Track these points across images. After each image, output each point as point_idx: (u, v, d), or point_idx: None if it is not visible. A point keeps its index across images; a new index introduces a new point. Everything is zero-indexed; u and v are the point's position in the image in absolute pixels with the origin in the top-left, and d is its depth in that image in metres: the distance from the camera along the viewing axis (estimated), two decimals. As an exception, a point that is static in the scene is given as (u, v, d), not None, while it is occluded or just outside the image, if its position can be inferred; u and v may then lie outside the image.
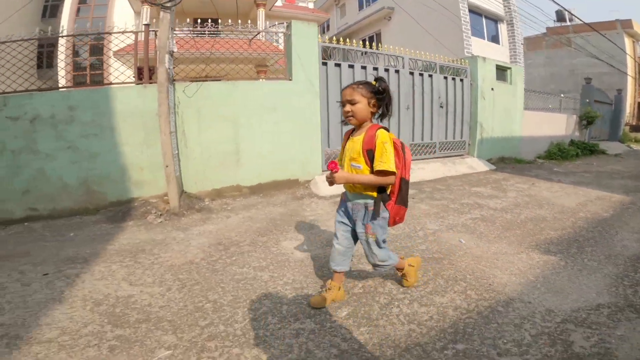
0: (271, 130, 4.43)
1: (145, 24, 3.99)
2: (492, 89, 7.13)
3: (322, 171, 4.83)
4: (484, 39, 12.06)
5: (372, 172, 1.59)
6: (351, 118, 1.65)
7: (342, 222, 1.78)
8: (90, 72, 10.32)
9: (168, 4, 3.40)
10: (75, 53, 10.26)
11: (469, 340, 1.51)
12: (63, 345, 1.50)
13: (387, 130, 1.63)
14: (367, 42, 5.41)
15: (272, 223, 3.31)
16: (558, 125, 9.78)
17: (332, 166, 1.56)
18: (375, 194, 1.65)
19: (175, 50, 3.78)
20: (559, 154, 8.84)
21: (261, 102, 4.36)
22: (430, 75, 6.21)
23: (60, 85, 5.12)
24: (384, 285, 2.03)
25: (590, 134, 11.27)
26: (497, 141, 7.37)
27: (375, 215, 1.65)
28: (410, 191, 4.57)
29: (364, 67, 5.29)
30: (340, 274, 1.82)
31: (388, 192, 1.69)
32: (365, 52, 5.33)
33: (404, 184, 1.67)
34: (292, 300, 1.89)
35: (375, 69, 5.42)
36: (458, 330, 1.59)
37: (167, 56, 3.55)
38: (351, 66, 5.16)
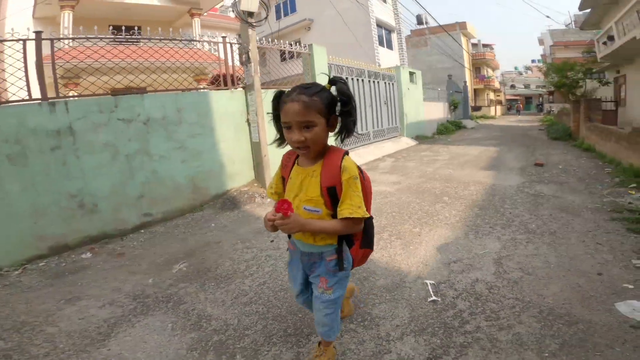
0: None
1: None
2: (408, 88, 10.46)
3: None
4: (384, 46, 15.72)
5: (333, 215, 1.18)
6: (306, 150, 1.15)
7: (295, 275, 1.39)
8: None
9: (255, 23, 4.78)
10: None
11: (488, 207, 4.19)
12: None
13: (348, 153, 1.21)
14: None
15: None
16: (440, 110, 14.15)
17: (283, 207, 1.08)
18: (335, 242, 1.25)
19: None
20: (444, 130, 13.04)
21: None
22: (376, 82, 9.00)
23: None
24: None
25: (456, 116, 16.30)
26: (414, 125, 10.79)
27: (336, 267, 1.26)
28: (389, 159, 7.24)
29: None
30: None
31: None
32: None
33: (369, 221, 1.30)
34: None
35: (344, 79, 7.84)
36: (477, 204, 4.25)
37: (258, 67, 4.89)
38: (355, 74, 7.46)
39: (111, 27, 10.31)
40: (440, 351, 1.51)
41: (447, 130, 13.13)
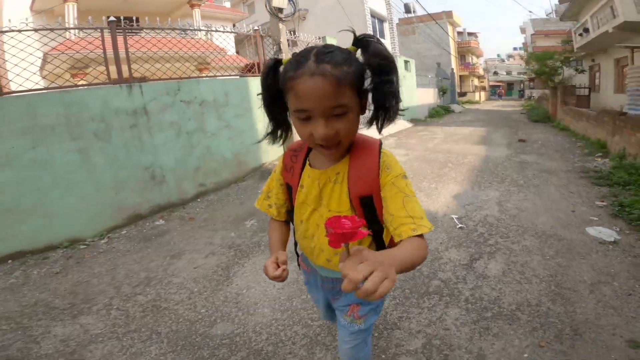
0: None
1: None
2: (404, 76, 11.21)
3: None
4: (376, 35, 16.33)
5: (375, 234, 0.81)
6: (335, 147, 0.74)
7: (317, 297, 1.05)
8: None
9: (284, 18, 5.43)
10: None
11: (485, 170, 5.06)
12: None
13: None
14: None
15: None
16: (431, 96, 15.02)
17: (350, 226, 0.50)
18: None
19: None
20: (435, 114, 13.94)
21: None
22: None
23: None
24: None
25: (444, 101, 17.23)
26: (410, 109, 11.60)
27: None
28: (391, 138, 8.04)
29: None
30: None
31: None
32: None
33: None
34: (422, 166, 5.10)
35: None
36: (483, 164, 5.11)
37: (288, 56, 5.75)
38: None
39: (106, 18, 10.54)
40: (476, 256, 2.30)
41: (437, 114, 14.03)
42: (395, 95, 0.72)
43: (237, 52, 10.65)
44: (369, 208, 0.78)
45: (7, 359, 1.72)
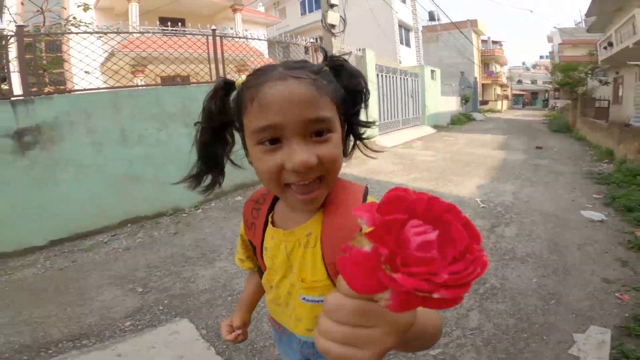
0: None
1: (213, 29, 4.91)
2: (429, 85, 12.01)
3: (379, 133, 8.65)
4: (403, 44, 17.17)
5: None
6: (318, 188, 0.53)
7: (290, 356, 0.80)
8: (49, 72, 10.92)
9: (336, 33, 6.41)
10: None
11: (503, 169, 5.86)
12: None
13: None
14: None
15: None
16: (453, 104, 15.71)
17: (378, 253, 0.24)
18: None
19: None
20: (457, 121, 14.62)
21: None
22: (405, 78, 10.56)
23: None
24: None
25: (466, 109, 17.84)
26: (433, 115, 12.38)
27: None
28: (418, 141, 8.88)
29: (382, 73, 9.23)
30: None
31: None
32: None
33: None
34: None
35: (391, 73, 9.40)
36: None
37: None
38: (391, 72, 9.05)
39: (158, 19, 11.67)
40: (496, 224, 3.16)
41: (459, 121, 14.70)
42: (364, 123, 0.63)
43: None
44: None
45: (172, 297, 2.29)
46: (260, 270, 0.73)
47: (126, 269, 2.77)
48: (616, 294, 2.03)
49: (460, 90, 17.31)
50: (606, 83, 15.45)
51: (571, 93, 14.63)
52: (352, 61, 7.86)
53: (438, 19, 28.27)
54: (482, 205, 3.63)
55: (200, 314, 2.09)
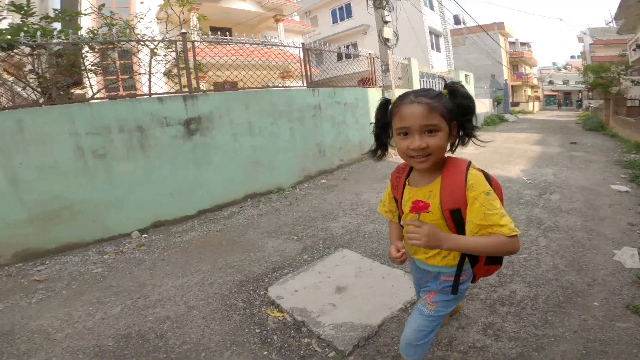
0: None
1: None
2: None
3: None
4: (434, 50, 18.07)
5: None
6: (426, 159, 0.99)
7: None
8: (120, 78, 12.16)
9: (391, 46, 7.51)
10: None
11: (542, 159, 6.75)
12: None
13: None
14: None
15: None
16: (486, 105, 16.43)
17: (419, 206, 0.99)
18: (456, 262, 1.10)
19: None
20: (490, 122, 15.33)
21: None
22: (443, 83, 11.52)
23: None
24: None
25: (498, 111, 18.45)
26: (468, 116, 13.20)
27: (449, 288, 1.11)
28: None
29: (430, 77, 10.25)
30: None
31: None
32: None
33: None
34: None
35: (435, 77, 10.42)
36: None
37: (393, 74, 7.62)
38: (431, 77, 10.07)
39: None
40: (542, 192, 4.12)
41: (492, 122, 15.41)
42: (474, 127, 1.04)
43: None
44: (457, 218, 0.99)
45: (323, 239, 3.00)
46: (399, 218, 1.22)
47: (271, 227, 3.54)
48: (637, 232, 2.93)
49: (491, 92, 17.95)
50: (638, 83, 15.66)
51: (604, 93, 14.95)
52: (399, 69, 8.93)
53: (463, 22, 28.65)
54: (529, 181, 4.62)
55: (352, 246, 2.91)
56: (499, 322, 1.83)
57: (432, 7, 18.78)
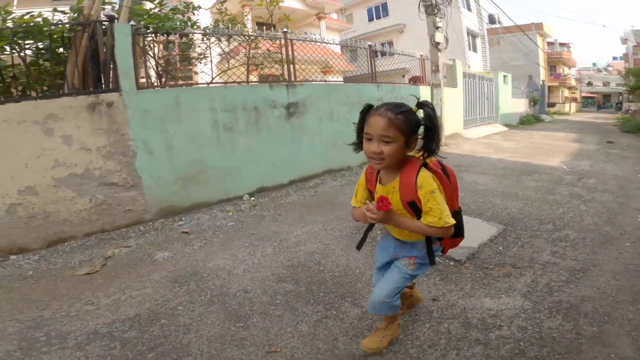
0: (453, 109, 9.82)
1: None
2: (501, 88, 13.38)
3: (463, 127, 10.34)
4: (470, 50, 18.48)
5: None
6: (380, 162, 1.26)
7: (382, 256, 1.59)
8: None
9: (441, 49, 8.32)
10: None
11: (580, 154, 7.40)
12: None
13: (426, 164, 1.29)
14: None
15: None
16: (522, 105, 16.76)
17: (384, 204, 1.22)
18: (424, 238, 1.40)
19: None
20: (526, 121, 15.69)
21: (453, 96, 9.56)
22: (482, 82, 12.12)
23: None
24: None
25: (535, 110, 18.66)
26: (505, 115, 13.73)
27: (427, 254, 1.42)
28: (496, 136, 10.40)
29: (472, 77, 10.91)
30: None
31: None
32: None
33: (456, 215, 1.36)
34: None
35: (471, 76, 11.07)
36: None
37: (443, 74, 8.45)
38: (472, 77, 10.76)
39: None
40: (581, 178, 4.90)
41: (528, 121, 15.76)
42: (435, 144, 1.24)
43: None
44: (414, 207, 1.29)
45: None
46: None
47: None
48: (657, 204, 3.76)
49: (528, 92, 18.18)
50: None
51: (646, 96, 14.95)
52: (443, 69, 9.67)
53: (499, 22, 28.46)
54: (568, 169, 5.40)
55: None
56: (561, 250, 2.64)
57: (469, 8, 19.10)
